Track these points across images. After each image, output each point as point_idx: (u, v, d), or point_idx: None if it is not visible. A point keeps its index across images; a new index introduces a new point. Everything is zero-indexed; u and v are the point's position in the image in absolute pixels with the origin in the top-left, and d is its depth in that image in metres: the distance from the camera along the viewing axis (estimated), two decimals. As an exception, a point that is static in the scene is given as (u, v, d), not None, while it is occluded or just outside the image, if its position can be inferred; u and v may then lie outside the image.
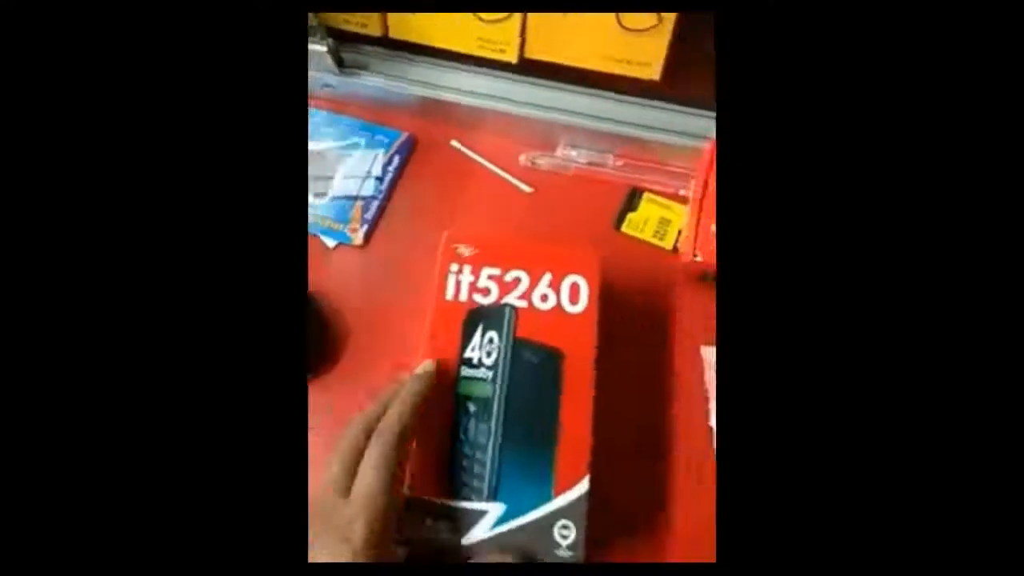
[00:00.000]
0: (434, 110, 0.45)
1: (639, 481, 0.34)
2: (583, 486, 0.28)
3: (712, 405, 0.36)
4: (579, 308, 0.32)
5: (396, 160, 0.45)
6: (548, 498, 0.28)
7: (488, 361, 0.31)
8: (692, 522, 0.33)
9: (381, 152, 0.45)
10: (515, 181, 0.44)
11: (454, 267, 0.33)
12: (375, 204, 0.43)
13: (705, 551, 0.32)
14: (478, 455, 0.29)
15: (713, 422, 0.36)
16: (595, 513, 0.28)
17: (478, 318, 0.32)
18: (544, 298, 0.32)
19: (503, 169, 0.45)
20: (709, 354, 0.37)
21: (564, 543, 0.27)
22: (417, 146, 0.46)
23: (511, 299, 0.32)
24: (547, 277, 0.33)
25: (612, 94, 0.43)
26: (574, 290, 0.32)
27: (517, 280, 0.33)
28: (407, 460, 0.28)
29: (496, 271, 0.33)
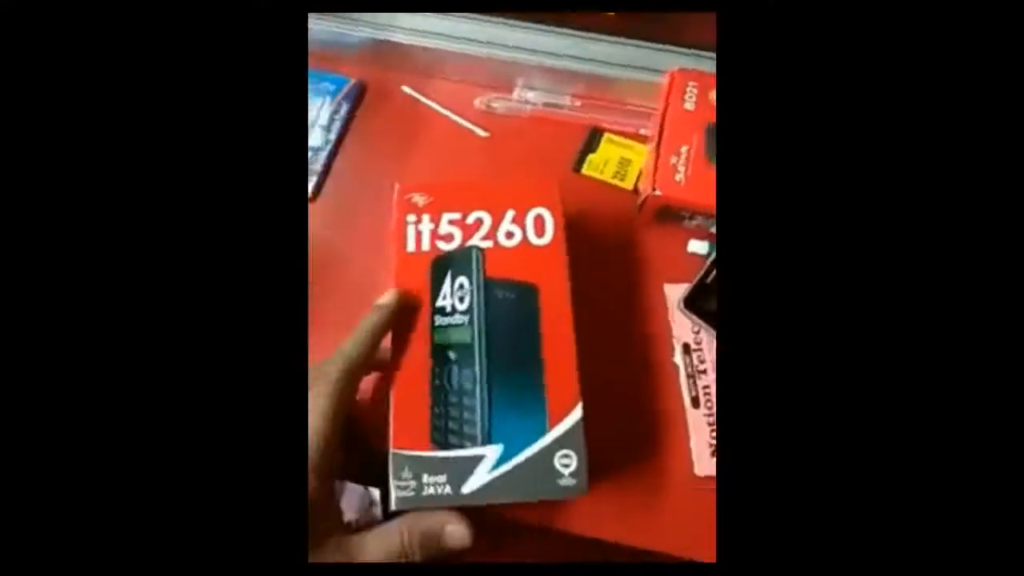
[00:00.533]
0: (384, 53, 0.43)
1: (626, 408, 0.34)
2: (577, 413, 0.28)
3: (676, 344, 0.36)
4: (546, 240, 0.31)
5: (344, 108, 0.42)
6: (543, 431, 0.27)
7: (462, 306, 0.30)
8: (680, 441, 0.34)
9: (328, 100, 0.43)
10: (470, 126, 0.43)
11: (411, 218, 0.32)
12: (323, 155, 0.41)
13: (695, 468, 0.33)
14: (466, 401, 0.28)
15: (678, 359, 0.35)
16: (589, 441, 0.27)
17: (445, 265, 0.31)
18: (509, 235, 0.31)
19: (457, 114, 0.43)
20: (672, 292, 0.37)
21: (567, 471, 0.27)
22: (366, 93, 0.44)
23: (476, 241, 0.31)
24: (510, 214, 0.31)
25: (568, 31, 0.42)
26: (539, 223, 0.31)
27: (479, 221, 0.31)
28: (355, 393, 0.27)
29: (456, 215, 0.32)
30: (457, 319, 0.29)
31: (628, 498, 0.32)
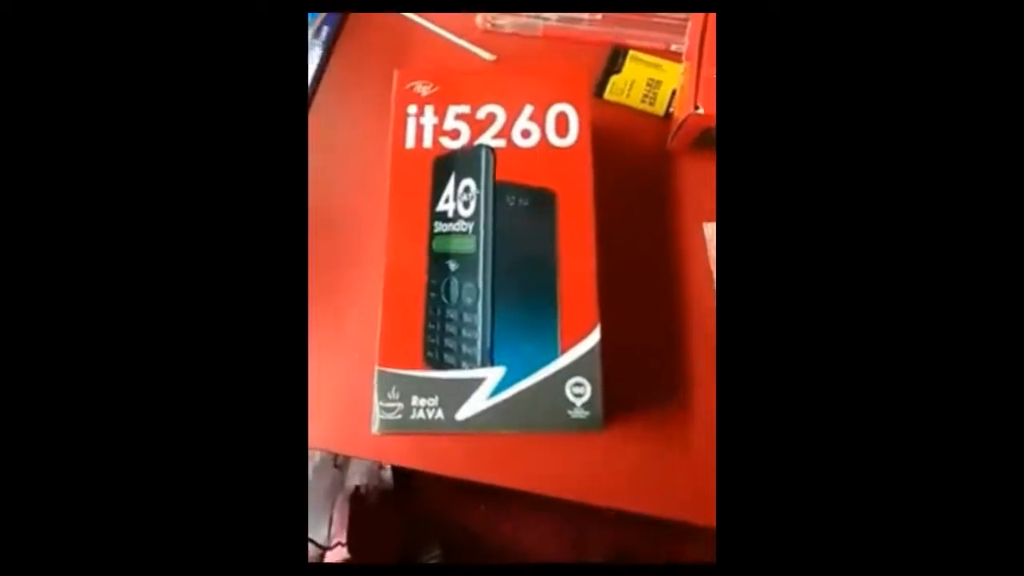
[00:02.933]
0: None
1: (650, 336, 0.30)
2: (594, 336, 0.24)
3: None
4: (569, 141, 0.26)
5: (324, 32, 0.37)
6: (555, 355, 0.23)
7: (466, 212, 0.25)
8: (709, 375, 0.30)
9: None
10: (474, 48, 0.37)
11: (412, 109, 0.27)
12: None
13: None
14: (466, 317, 0.24)
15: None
16: (608, 370, 0.24)
17: (449, 165, 0.26)
18: (526, 134, 0.27)
19: (458, 35, 0.38)
20: (713, 232, 0.32)
21: (579, 402, 0.23)
22: (347, 15, 0.38)
23: (486, 139, 0.27)
24: (528, 109, 0.27)
25: None
26: (561, 121, 0.27)
27: (492, 116, 0.27)
28: None
29: (465, 108, 0.27)
30: (460, 226, 0.25)
31: (647, 444, 0.29)
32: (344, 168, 0.34)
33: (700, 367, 0.30)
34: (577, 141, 0.26)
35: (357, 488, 0.64)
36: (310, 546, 0.58)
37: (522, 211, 0.25)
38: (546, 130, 0.27)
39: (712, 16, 0.32)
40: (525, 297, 0.24)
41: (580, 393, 0.23)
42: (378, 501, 0.64)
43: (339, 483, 0.64)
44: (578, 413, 0.23)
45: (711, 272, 0.32)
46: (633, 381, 0.29)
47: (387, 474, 0.66)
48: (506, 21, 0.38)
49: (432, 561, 0.63)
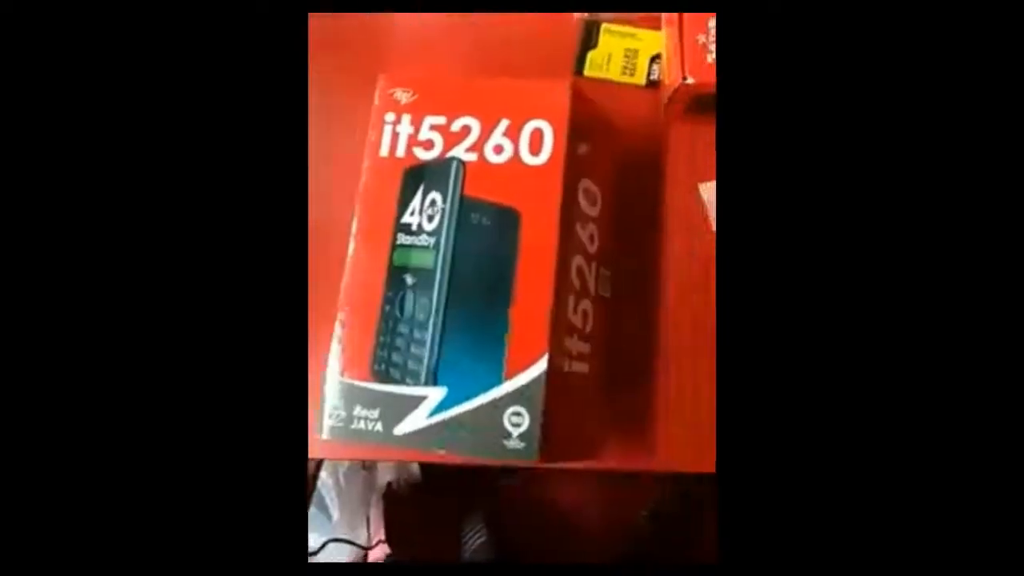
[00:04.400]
0: None
1: (623, 363, 0.30)
2: (540, 366, 0.23)
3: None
4: (541, 159, 0.26)
5: None
6: (498, 381, 0.23)
7: (429, 226, 0.25)
8: (686, 426, 0.29)
9: None
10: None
11: (390, 116, 0.27)
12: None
13: (701, 459, 0.28)
14: (416, 333, 0.24)
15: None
16: (558, 399, 0.23)
17: (419, 177, 0.26)
18: (499, 149, 0.26)
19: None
20: (708, 191, 0.31)
21: (515, 432, 0.23)
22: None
23: (458, 152, 0.26)
24: (503, 124, 0.26)
25: None
26: (536, 138, 0.26)
27: (466, 129, 0.26)
28: None
29: (440, 120, 0.27)
30: (422, 240, 0.25)
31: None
32: (331, 174, 0.34)
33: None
34: (549, 160, 0.26)
35: (389, 484, 0.66)
36: (353, 548, 0.60)
37: (485, 229, 0.25)
38: (519, 147, 0.26)
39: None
40: (477, 318, 0.24)
41: (518, 423, 0.23)
42: (410, 494, 0.66)
43: (371, 484, 0.66)
44: (513, 444, 0.23)
45: (711, 230, 0.32)
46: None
47: (415, 467, 0.67)
48: None
49: (477, 535, 0.63)
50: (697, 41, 0.29)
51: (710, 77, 0.28)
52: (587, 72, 0.35)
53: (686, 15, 0.30)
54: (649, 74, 0.34)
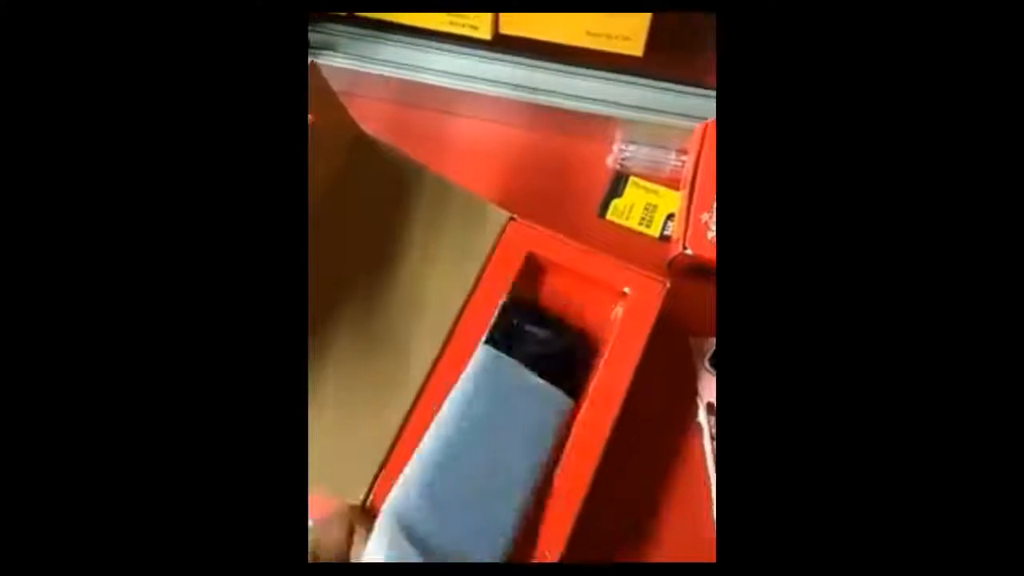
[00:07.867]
0: (408, 93, 0.41)
1: (643, 468, 0.34)
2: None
3: (700, 403, 0.35)
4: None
5: None
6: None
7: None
8: (703, 505, 0.33)
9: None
10: None
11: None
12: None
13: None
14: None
15: (702, 418, 0.35)
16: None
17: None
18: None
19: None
20: (699, 346, 0.36)
21: None
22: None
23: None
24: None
25: (591, 71, 0.41)
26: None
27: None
28: None
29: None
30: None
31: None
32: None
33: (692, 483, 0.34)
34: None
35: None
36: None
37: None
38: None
39: (704, 160, 0.36)
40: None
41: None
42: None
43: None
44: None
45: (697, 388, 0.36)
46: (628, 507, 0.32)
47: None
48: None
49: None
50: (701, 218, 0.35)
51: (709, 253, 0.34)
52: (609, 216, 0.40)
53: (697, 191, 0.35)
54: (663, 229, 0.40)
